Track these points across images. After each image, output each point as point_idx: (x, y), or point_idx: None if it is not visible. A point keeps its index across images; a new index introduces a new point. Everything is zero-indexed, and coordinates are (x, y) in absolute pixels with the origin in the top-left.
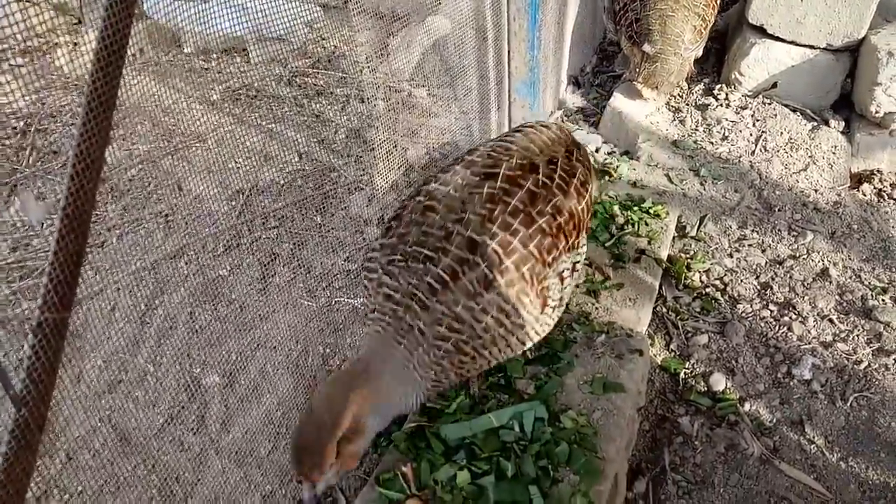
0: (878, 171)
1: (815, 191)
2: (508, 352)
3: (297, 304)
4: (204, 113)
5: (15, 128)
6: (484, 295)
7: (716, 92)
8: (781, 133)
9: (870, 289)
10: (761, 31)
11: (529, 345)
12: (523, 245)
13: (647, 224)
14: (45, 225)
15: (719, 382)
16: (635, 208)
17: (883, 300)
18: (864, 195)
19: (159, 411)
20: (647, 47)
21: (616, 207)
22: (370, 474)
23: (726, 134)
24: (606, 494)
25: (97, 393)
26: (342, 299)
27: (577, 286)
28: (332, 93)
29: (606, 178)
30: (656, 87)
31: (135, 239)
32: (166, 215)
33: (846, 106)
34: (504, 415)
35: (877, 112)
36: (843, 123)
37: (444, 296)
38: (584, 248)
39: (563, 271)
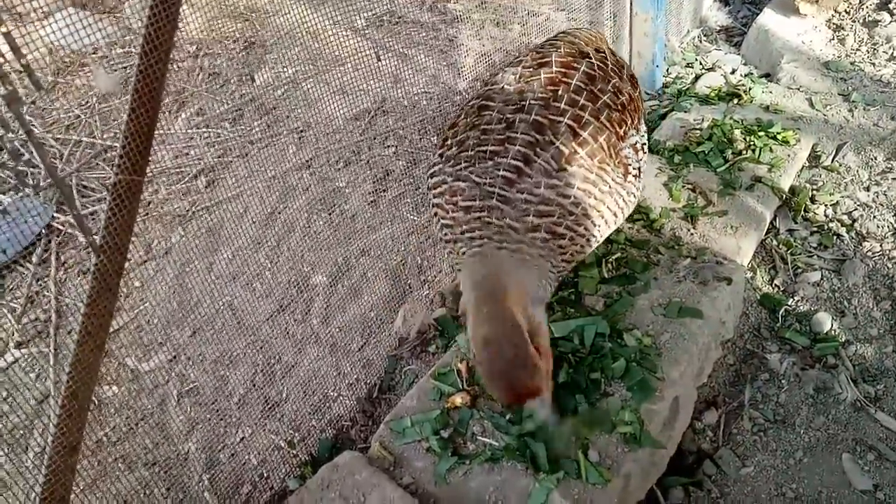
0: None
1: None
2: (603, 224)
3: (403, 218)
4: (348, 38)
5: (188, 51)
6: (567, 169)
7: (892, 6)
8: None
9: None
10: None
11: (621, 217)
12: (595, 118)
13: (771, 150)
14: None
15: (824, 323)
16: (761, 133)
17: None
18: None
19: (271, 302)
20: None
21: (738, 132)
22: None
23: (894, 54)
24: (662, 416)
25: (224, 281)
26: None
27: (673, 209)
28: (469, 18)
29: (735, 100)
30: (816, 1)
31: (271, 151)
32: (301, 131)
33: None
34: (566, 326)
35: None
36: None
37: (522, 183)
38: (645, 136)
39: (634, 143)
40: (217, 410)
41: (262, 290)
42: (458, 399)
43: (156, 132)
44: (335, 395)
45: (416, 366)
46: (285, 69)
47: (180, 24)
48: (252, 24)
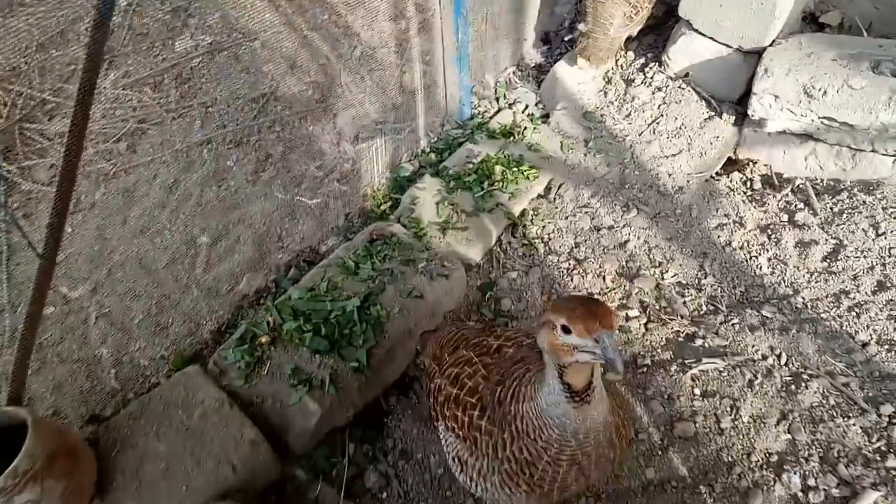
0: (754, 161)
1: (669, 175)
2: None
3: (273, 196)
4: (263, 10)
5: (119, 6)
6: None
7: (646, 70)
8: (676, 118)
9: (650, 261)
10: (689, 24)
11: None
12: None
13: (516, 183)
14: None
15: (506, 304)
16: (513, 168)
17: (652, 271)
18: (731, 182)
19: (167, 254)
20: (581, 25)
21: (497, 166)
22: None
23: (630, 112)
24: (382, 356)
25: (133, 234)
26: (302, 198)
27: (435, 223)
28: (371, 5)
29: (512, 137)
30: (588, 59)
31: (181, 123)
32: (207, 106)
33: None
34: (336, 303)
35: (753, 115)
36: (734, 117)
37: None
38: None
39: None
40: (123, 329)
41: (161, 243)
42: (263, 338)
43: None
44: (204, 325)
45: (250, 315)
46: (204, 37)
47: None
48: None
